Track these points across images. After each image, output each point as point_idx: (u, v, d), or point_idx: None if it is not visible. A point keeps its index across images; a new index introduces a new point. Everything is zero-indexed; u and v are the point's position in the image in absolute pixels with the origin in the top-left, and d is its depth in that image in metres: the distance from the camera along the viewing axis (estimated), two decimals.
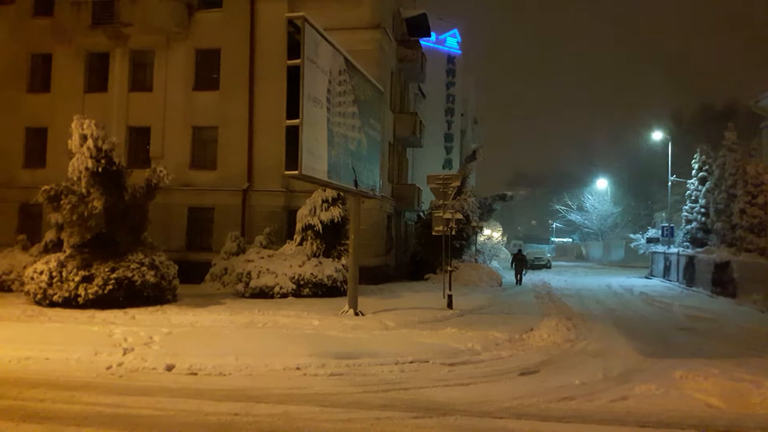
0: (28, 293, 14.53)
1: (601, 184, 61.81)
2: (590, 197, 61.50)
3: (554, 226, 78.52)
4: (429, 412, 6.37)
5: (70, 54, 23.40)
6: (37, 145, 23.42)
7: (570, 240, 75.53)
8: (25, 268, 15.62)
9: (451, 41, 40.61)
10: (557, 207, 67.19)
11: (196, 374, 8.05)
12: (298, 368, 8.28)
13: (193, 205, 22.35)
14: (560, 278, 31.53)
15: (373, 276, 20.30)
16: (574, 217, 63.77)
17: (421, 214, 27.91)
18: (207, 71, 22.87)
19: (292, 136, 10.96)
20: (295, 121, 10.88)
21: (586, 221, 62.20)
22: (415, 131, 26.64)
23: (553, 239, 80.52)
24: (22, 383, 7.46)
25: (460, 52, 40.90)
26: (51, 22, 23.28)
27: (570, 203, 64.79)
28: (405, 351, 9.30)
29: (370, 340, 10.24)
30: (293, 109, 10.96)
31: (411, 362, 8.80)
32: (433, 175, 16.47)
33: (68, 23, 22.88)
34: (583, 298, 20.23)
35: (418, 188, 27.49)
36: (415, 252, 26.92)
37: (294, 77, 10.96)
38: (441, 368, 8.63)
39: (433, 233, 16.36)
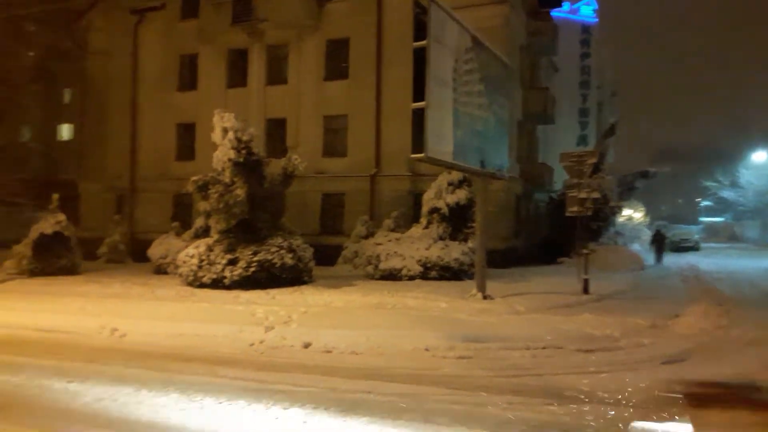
0: (181, 275, 15.95)
1: (759, 157, 55.54)
2: (745, 172, 55.53)
3: (703, 205, 72.01)
4: (563, 400, 6.11)
5: (213, 53, 25.22)
6: (186, 140, 25.58)
7: (721, 220, 68.92)
8: (178, 252, 17.16)
9: (586, 9, 38.37)
10: (706, 184, 61.47)
11: (330, 352, 8.38)
12: (426, 349, 8.32)
13: (325, 192, 23.28)
14: (710, 261, 28.88)
15: (501, 259, 19.88)
16: (727, 194, 57.99)
17: (553, 194, 26.82)
18: (336, 61, 23.58)
19: (419, 118, 10.94)
20: (421, 104, 10.84)
21: (740, 198, 56.34)
22: (546, 107, 25.57)
23: (701, 219, 73.96)
24: (177, 357, 8.22)
25: (596, 20, 38.53)
26: (196, 23, 25.22)
27: (721, 179, 58.99)
28: (537, 336, 9.00)
29: (499, 324, 10.03)
30: (419, 91, 10.93)
31: (543, 348, 8.50)
32: (567, 152, 15.69)
33: (211, 24, 24.67)
34: (736, 282, 18.35)
35: (550, 167, 26.42)
36: (546, 235, 25.98)
37: (420, 59, 10.91)
38: (576, 355, 8.24)
39: (567, 214, 15.61)
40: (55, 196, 19.13)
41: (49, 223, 18.62)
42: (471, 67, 12.70)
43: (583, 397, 6.19)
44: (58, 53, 26.54)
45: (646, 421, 5.44)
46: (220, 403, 6.00)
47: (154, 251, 19.76)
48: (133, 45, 26.64)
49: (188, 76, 26.05)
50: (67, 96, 33.27)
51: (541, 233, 26.62)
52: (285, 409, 5.79)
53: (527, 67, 25.67)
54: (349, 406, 5.89)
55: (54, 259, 18.47)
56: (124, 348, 8.90)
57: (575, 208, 14.98)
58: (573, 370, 7.41)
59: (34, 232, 18.48)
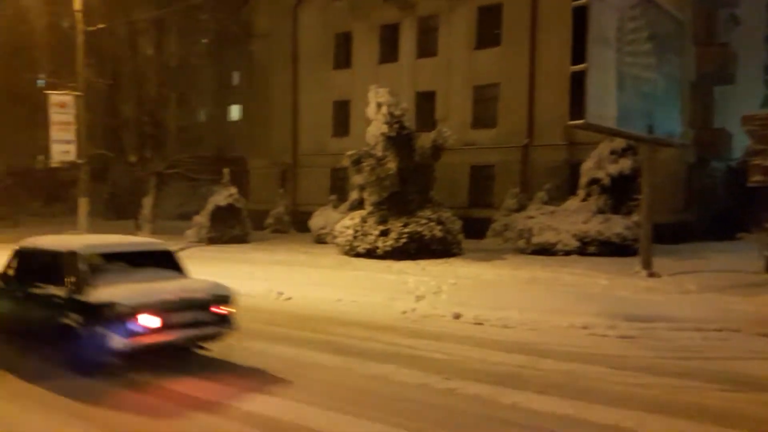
0: (338, 245, 16.75)
1: None
2: None
3: None
4: (739, 386, 5.50)
5: (366, 29, 25.80)
6: (342, 117, 26.58)
7: None
8: (335, 223, 18.02)
9: None
10: None
11: (481, 324, 8.31)
12: (584, 327, 7.93)
13: (474, 164, 22.96)
14: None
15: (670, 235, 18.22)
16: None
17: (731, 163, 24.00)
18: (488, 28, 22.93)
19: (578, 82, 10.27)
20: (581, 66, 10.15)
21: None
22: (725, 65, 22.81)
23: None
24: (336, 321, 8.66)
25: None
26: (350, 1, 25.92)
27: None
28: (709, 317, 8.17)
29: (666, 304, 9.25)
30: (579, 53, 10.24)
31: (717, 330, 7.71)
32: (750, 115, 13.89)
33: (364, 0, 25.19)
34: None
35: (728, 132, 23.62)
36: (723, 207, 23.37)
37: (580, 19, 10.20)
38: (755, 339, 7.37)
39: (749, 185, 13.88)
40: (227, 171, 21.01)
41: (223, 196, 20.52)
42: (637, 24, 11.64)
43: (764, 385, 5.51)
44: (227, 38, 28.82)
45: None
46: (379, 362, 6.24)
47: (314, 222, 21.03)
48: (292, 27, 28.08)
49: (343, 54, 26.92)
50: (235, 78, 36.21)
51: (718, 206, 23.97)
52: (433, 374, 5.86)
53: (703, 20, 22.97)
54: (501, 378, 5.80)
55: (227, 229, 20.37)
56: (290, 310, 9.57)
57: (759, 177, 13.25)
58: (752, 355, 6.65)
59: (211, 204, 20.51)
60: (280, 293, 10.65)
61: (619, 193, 16.57)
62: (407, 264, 14.30)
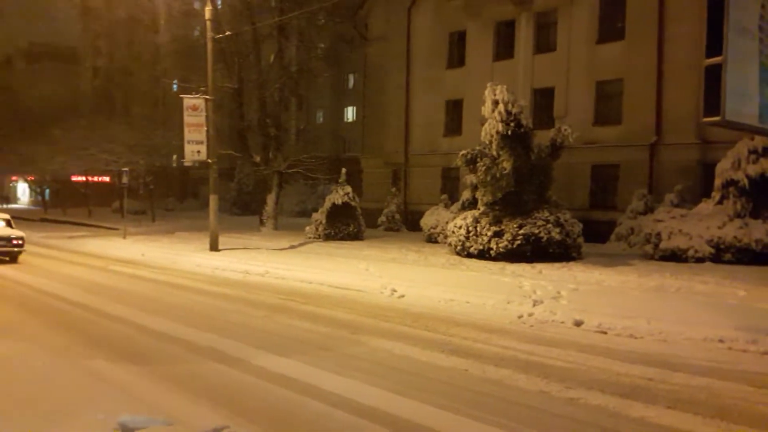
0: (449, 245, 16.64)
1: None
2: None
3: None
4: None
5: (480, 27, 25.43)
6: (454, 116, 26.40)
7: None
8: (447, 223, 17.91)
9: None
10: None
11: (605, 333, 7.87)
12: (721, 341, 7.25)
13: (595, 163, 21.86)
14: None
15: None
16: None
17: None
18: (611, 21, 21.77)
19: (713, 76, 9.39)
20: (717, 59, 9.25)
21: None
22: None
23: None
24: (449, 321, 8.58)
25: None
26: (465, 0, 25.71)
27: None
28: None
29: None
30: (714, 44, 9.38)
31: None
32: None
33: None
34: None
35: None
36: None
37: (716, 7, 9.33)
38: None
39: None
40: (343, 171, 21.60)
41: (339, 194, 21.11)
42: None
43: None
44: (344, 42, 29.65)
45: None
46: (496, 366, 6.11)
47: (426, 221, 21.09)
48: (406, 28, 28.33)
49: (456, 53, 26.73)
50: (351, 81, 37.18)
51: None
52: (553, 382, 5.62)
53: None
54: (627, 390, 5.45)
55: (342, 226, 20.95)
56: (402, 308, 9.62)
57: None
58: None
59: (328, 202, 21.19)
60: (393, 290, 10.75)
61: (759, 197, 15.05)
62: (522, 267, 13.90)
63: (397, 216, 25.77)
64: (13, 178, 63.10)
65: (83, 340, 7.32)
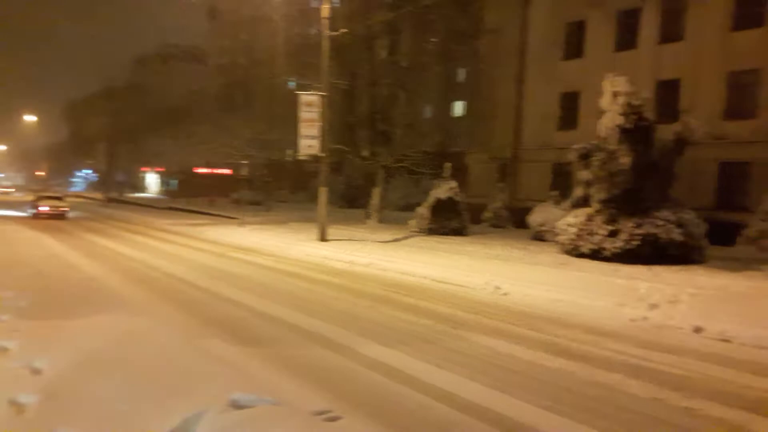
0: (558, 243, 16.03)
1: None
2: None
3: None
4: None
5: (602, 16, 24.26)
6: (569, 109, 25.41)
7: None
8: (556, 221, 17.26)
9: None
10: None
11: (728, 341, 7.24)
12: None
13: (724, 160, 20.20)
14: None
15: None
16: None
17: None
18: (749, 7, 19.96)
19: None
20: None
21: None
22: None
23: None
24: (556, 322, 8.28)
25: None
26: None
27: None
28: None
29: None
30: None
31: None
32: None
33: None
34: None
35: None
36: None
37: None
38: None
39: None
40: (448, 165, 21.47)
41: (443, 189, 21.03)
42: None
43: None
44: (455, 36, 29.41)
45: None
46: (606, 370, 5.82)
47: (534, 218, 20.46)
48: (521, 19, 27.61)
49: (574, 44, 25.71)
50: (460, 75, 36.84)
51: None
52: (668, 390, 5.25)
53: None
54: (752, 404, 4.99)
55: (446, 221, 20.85)
56: (506, 305, 9.42)
57: None
58: None
59: (432, 197, 21.17)
60: (498, 288, 10.54)
61: None
62: (638, 269, 13.11)
63: (503, 212, 25.26)
64: (143, 168, 68.86)
65: (202, 320, 7.84)
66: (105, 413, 4.15)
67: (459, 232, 20.85)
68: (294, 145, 20.72)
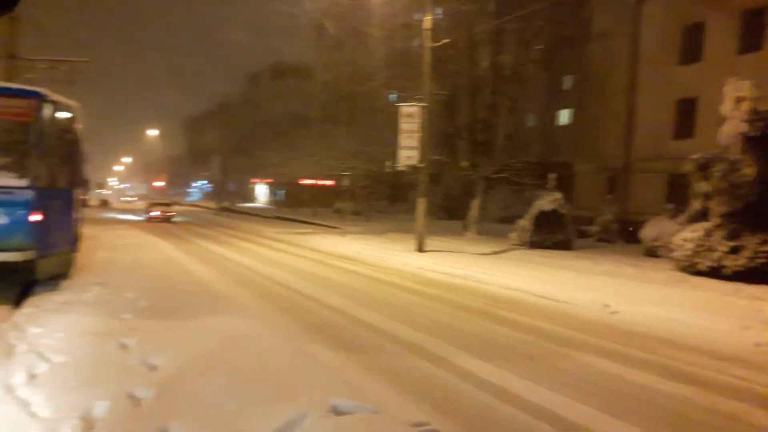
0: (673, 259, 15.00)
1: None
2: None
3: None
4: None
5: (722, 17, 22.62)
6: (686, 116, 23.87)
7: None
8: (671, 235, 16.18)
9: None
10: None
11: None
12: None
13: None
14: None
15: None
16: None
17: None
18: None
19: None
20: None
21: None
22: None
23: None
24: (670, 343, 7.71)
25: None
26: None
27: None
28: None
29: None
30: None
31: None
32: None
33: None
34: None
35: None
36: None
37: None
38: None
39: None
40: (552, 176, 20.78)
41: (547, 200, 20.37)
42: None
43: None
44: (561, 43, 28.55)
45: None
46: (727, 398, 5.33)
47: (646, 233, 19.30)
48: (633, 23, 26.34)
49: (691, 47, 24.16)
50: (566, 82, 35.67)
51: None
52: None
53: None
54: None
55: (550, 234, 20.15)
56: (614, 325, 8.90)
57: None
58: None
59: (535, 209, 20.56)
60: (606, 305, 10.00)
61: None
62: (762, 288, 11.97)
63: (612, 226, 24.06)
64: (253, 179, 72.48)
65: (304, 325, 8.05)
66: (213, 411, 4.34)
67: (563, 245, 20.07)
68: (393, 156, 20.95)
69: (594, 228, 24.29)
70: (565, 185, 24.53)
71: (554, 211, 20.18)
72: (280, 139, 45.10)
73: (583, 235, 23.33)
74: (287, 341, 6.71)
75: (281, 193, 56.18)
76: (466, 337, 7.61)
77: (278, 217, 42.34)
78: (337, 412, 4.46)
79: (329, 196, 48.10)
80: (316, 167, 38.43)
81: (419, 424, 4.50)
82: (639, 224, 20.26)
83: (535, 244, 20.10)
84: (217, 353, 5.79)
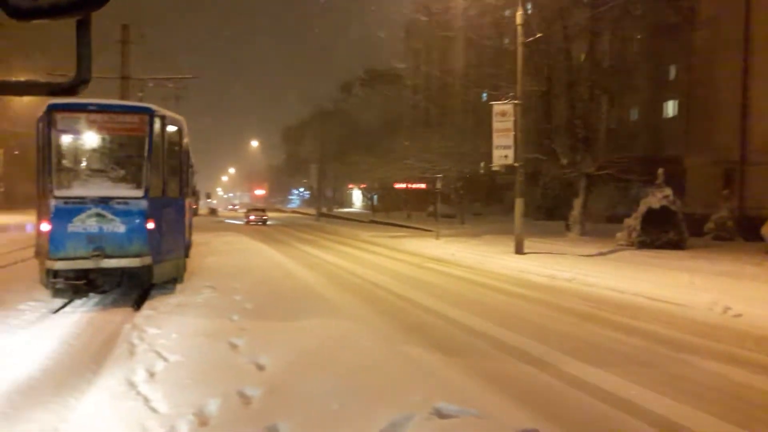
0: None
1: None
2: None
3: None
4: None
5: None
6: None
7: None
8: None
9: None
10: None
11: None
12: None
13: None
14: None
15: None
16: None
17: None
18: None
19: None
20: None
21: None
22: None
23: None
24: None
25: None
26: None
27: None
28: None
29: None
30: None
31: None
32: None
33: None
34: None
35: None
36: None
37: None
38: None
39: None
40: (661, 171, 19.52)
41: (656, 197, 19.15)
42: None
43: None
44: (664, 31, 26.88)
45: None
46: None
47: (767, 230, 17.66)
48: (744, 8, 24.32)
49: None
50: (671, 72, 33.55)
51: None
52: None
53: None
54: None
55: (660, 233, 18.91)
56: (737, 328, 8.17)
57: None
58: None
59: (643, 207, 19.38)
60: (727, 308, 9.20)
61: None
62: None
63: (729, 223, 22.25)
64: (350, 185, 73.96)
65: (403, 326, 8.02)
66: (318, 410, 4.39)
67: (676, 245, 18.76)
68: (487, 157, 20.57)
69: (709, 225, 22.57)
70: (675, 181, 22.97)
71: (664, 209, 18.93)
72: (373, 144, 45.76)
73: (697, 233, 21.73)
74: (387, 343, 6.70)
75: (375, 197, 56.95)
76: (573, 342, 7.26)
77: (373, 221, 42.89)
78: (440, 415, 4.37)
79: (423, 200, 48.09)
80: (408, 171, 38.53)
81: (527, 431, 4.31)
82: (759, 221, 18.54)
83: (645, 244, 18.94)
84: (320, 353, 5.88)
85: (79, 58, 1.47)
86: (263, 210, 44.76)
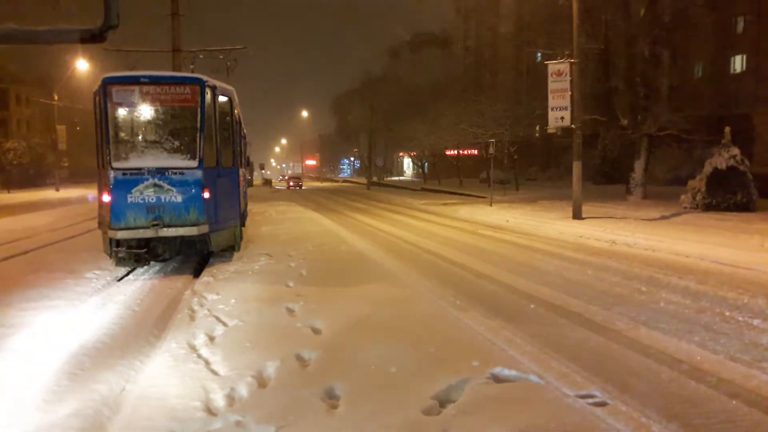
0: None
1: None
2: None
3: None
4: None
5: None
6: None
7: None
8: None
9: None
10: None
11: None
12: None
13: None
14: None
15: None
16: None
17: None
18: None
19: None
20: None
21: None
22: None
23: None
24: None
25: None
26: None
27: None
28: None
29: None
30: None
31: None
32: None
33: None
34: None
35: None
36: None
37: None
38: None
39: None
40: (727, 129, 18.46)
41: (723, 157, 18.17)
42: None
43: None
44: None
45: None
46: None
47: None
48: None
49: None
50: (739, 25, 31.51)
51: None
52: None
53: None
54: None
55: (727, 195, 17.99)
56: None
57: None
58: None
59: (708, 167, 18.44)
60: None
61: None
62: None
63: None
64: (400, 153, 73.61)
65: (458, 292, 7.92)
66: (374, 373, 4.36)
67: (745, 207, 17.81)
68: (543, 119, 19.92)
69: None
70: (743, 140, 21.77)
71: (732, 169, 17.94)
72: (423, 111, 45.14)
73: (766, 194, 20.57)
74: (442, 308, 6.62)
75: (426, 165, 56.53)
76: (637, 308, 6.99)
77: (424, 189, 42.62)
78: (497, 379, 4.28)
79: (475, 166, 47.40)
80: (460, 136, 37.91)
81: (585, 396, 4.18)
82: None
83: (711, 206, 18.07)
84: (375, 318, 5.86)
85: (107, 5, 1.46)
86: (299, 178, 59.70)
